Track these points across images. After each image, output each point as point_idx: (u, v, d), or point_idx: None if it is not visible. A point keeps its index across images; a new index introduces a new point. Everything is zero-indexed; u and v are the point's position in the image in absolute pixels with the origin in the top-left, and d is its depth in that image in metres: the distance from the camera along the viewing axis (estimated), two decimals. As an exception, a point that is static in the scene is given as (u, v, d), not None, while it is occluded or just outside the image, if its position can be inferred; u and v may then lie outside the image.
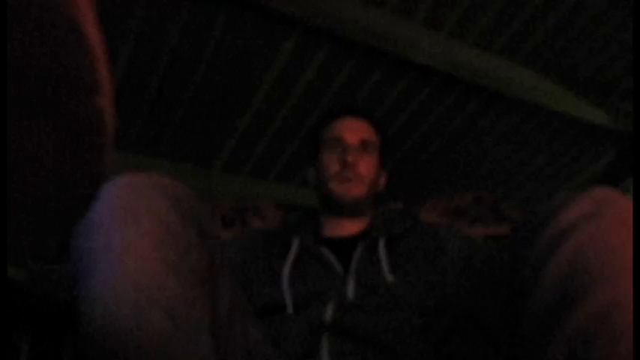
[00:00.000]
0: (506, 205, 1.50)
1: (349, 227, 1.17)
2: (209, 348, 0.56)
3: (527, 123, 2.15)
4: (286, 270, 1.03)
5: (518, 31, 1.78)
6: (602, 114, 2.09)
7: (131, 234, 0.54)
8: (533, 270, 0.59)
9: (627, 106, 2.14)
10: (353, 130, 1.22)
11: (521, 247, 0.62)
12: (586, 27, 1.78)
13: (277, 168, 2.14)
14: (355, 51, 1.75)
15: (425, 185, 2.34)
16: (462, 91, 1.96)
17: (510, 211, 1.49)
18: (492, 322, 0.68)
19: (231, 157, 2.05)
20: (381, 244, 1.07)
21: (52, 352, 0.79)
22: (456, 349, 0.76)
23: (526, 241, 0.62)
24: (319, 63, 1.76)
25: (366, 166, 1.18)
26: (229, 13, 1.57)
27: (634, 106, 2.10)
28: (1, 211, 0.30)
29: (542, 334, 0.55)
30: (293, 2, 1.51)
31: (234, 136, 1.97)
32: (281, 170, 2.15)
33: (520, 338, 0.60)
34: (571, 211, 0.58)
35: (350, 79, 1.84)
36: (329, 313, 0.91)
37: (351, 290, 0.97)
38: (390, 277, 1.00)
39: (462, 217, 1.48)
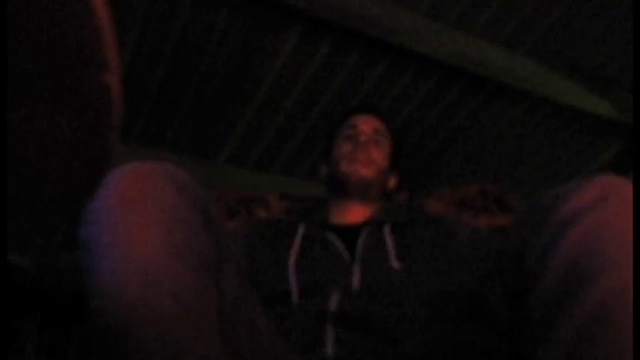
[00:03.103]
0: (511, 197, 1.50)
1: (356, 213, 1.17)
2: (215, 334, 0.56)
3: (532, 115, 2.14)
4: (292, 257, 1.03)
5: (523, 22, 1.77)
6: (608, 106, 2.08)
7: (138, 221, 0.54)
8: (539, 258, 0.59)
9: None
10: (367, 122, 1.27)
11: (527, 236, 0.62)
12: (591, 18, 1.77)
13: (281, 160, 2.14)
14: (359, 42, 1.74)
15: (429, 177, 2.33)
16: (467, 83, 1.95)
17: (515, 202, 1.49)
18: (498, 310, 0.68)
19: (235, 150, 2.05)
20: (387, 229, 1.07)
21: (60, 340, 0.79)
22: (461, 338, 0.76)
23: (532, 229, 0.61)
24: (323, 55, 1.76)
25: (378, 152, 1.22)
26: (233, 5, 1.57)
27: (634, 101, 2.09)
28: (1, 206, 0.30)
29: (548, 321, 0.55)
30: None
31: (239, 128, 1.97)
32: (285, 163, 2.15)
33: (526, 326, 0.60)
34: (576, 199, 0.58)
35: (354, 71, 1.84)
36: (334, 302, 0.91)
37: (356, 277, 0.97)
38: (396, 264, 1.00)
39: (467, 209, 1.48)
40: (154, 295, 0.51)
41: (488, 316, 0.70)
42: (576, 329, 0.52)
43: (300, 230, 1.10)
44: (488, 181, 2.10)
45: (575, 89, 2.00)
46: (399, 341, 0.86)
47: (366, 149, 1.19)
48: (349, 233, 1.09)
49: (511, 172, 2.39)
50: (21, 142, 0.29)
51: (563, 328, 0.53)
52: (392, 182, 1.31)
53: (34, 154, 0.30)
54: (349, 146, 1.21)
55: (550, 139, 2.26)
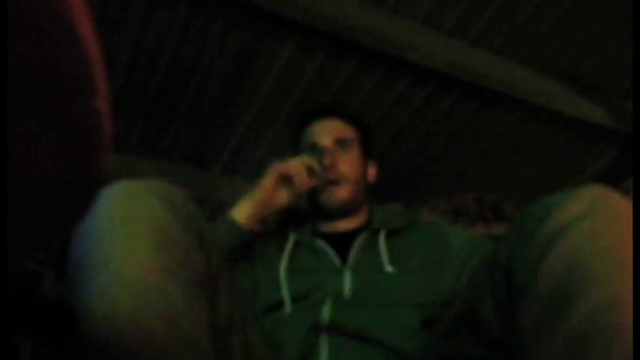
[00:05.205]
0: (506, 205, 1.50)
1: (346, 224, 1.17)
2: (209, 353, 0.56)
3: (527, 123, 2.14)
4: (283, 265, 1.03)
5: (517, 30, 1.78)
6: (603, 113, 2.09)
7: (129, 241, 0.54)
8: (528, 270, 0.59)
9: (628, 105, 2.14)
10: (325, 132, 1.20)
11: (517, 247, 0.62)
12: (586, 25, 1.78)
13: (278, 169, 2.14)
14: (354, 52, 1.75)
15: (424, 186, 2.34)
16: (461, 91, 1.96)
17: (511, 210, 1.49)
18: (490, 320, 0.68)
19: (231, 159, 2.06)
20: (382, 236, 1.07)
21: (54, 354, 0.79)
22: (454, 347, 0.77)
23: (521, 241, 0.62)
24: (318, 64, 1.76)
25: (347, 164, 1.17)
26: (228, 15, 1.57)
27: (634, 106, 2.10)
28: (1, 211, 0.30)
29: (538, 334, 0.56)
30: (291, 4, 1.51)
31: (235, 137, 1.97)
32: (281, 172, 2.15)
33: (517, 337, 0.60)
34: (565, 211, 0.58)
35: (349, 80, 1.84)
36: (326, 312, 0.91)
37: (348, 284, 0.97)
38: (389, 269, 0.99)
39: (463, 217, 1.48)
40: (145, 314, 0.51)
41: (480, 327, 0.70)
42: (565, 343, 0.52)
43: (291, 239, 1.10)
44: (483, 189, 2.11)
45: (569, 97, 2.00)
46: (392, 351, 0.86)
47: (334, 169, 1.15)
48: (341, 240, 1.10)
49: (506, 179, 2.40)
50: (10, 164, 0.29)
51: (553, 342, 0.53)
52: (372, 173, 1.27)
53: (23, 175, 0.30)
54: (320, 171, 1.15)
55: (545, 147, 2.27)
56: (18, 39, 0.25)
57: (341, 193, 1.15)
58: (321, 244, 1.08)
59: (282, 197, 1.11)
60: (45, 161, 0.29)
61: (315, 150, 1.18)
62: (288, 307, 0.96)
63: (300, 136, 1.26)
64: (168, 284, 0.54)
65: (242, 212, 1.05)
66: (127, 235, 0.54)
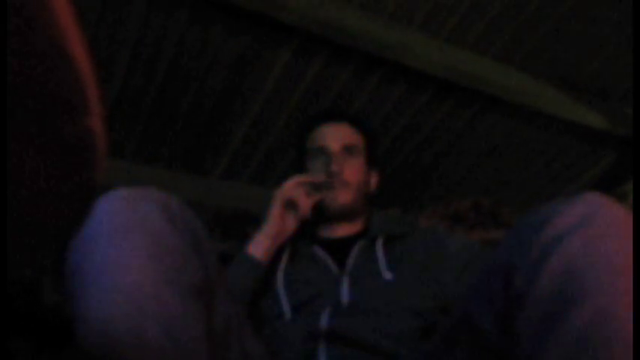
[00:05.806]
0: (505, 211, 1.51)
1: (344, 230, 1.17)
2: (205, 360, 0.56)
3: (526, 127, 2.15)
4: (280, 275, 1.04)
5: (515, 35, 1.78)
6: (601, 117, 2.09)
7: (126, 249, 0.54)
8: (527, 277, 0.59)
9: (626, 109, 2.14)
10: (334, 136, 1.20)
11: (515, 255, 0.62)
12: (583, 30, 1.78)
13: (276, 174, 2.14)
14: (352, 58, 1.75)
15: (423, 191, 2.34)
16: (460, 97, 1.96)
17: (509, 216, 1.50)
18: (488, 327, 0.68)
19: (230, 165, 2.06)
20: (379, 243, 1.07)
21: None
22: (452, 354, 0.77)
23: (519, 248, 0.62)
24: (316, 70, 1.77)
25: (352, 171, 1.17)
26: (226, 22, 1.58)
27: (634, 109, 2.10)
28: (1, 215, 0.30)
29: (537, 340, 0.56)
30: (289, 10, 1.52)
31: (233, 143, 1.97)
32: (280, 177, 2.15)
33: (515, 344, 0.60)
34: (562, 218, 0.58)
35: (347, 86, 1.85)
36: (325, 319, 0.91)
37: (345, 291, 0.97)
38: (387, 275, 0.99)
39: (462, 223, 1.48)
40: (141, 322, 0.51)
41: (478, 334, 0.70)
42: (563, 351, 0.52)
43: (288, 247, 1.10)
44: (481, 195, 2.11)
45: (567, 101, 2.01)
46: (391, 357, 0.86)
47: (340, 176, 1.15)
48: (339, 247, 1.10)
49: (505, 184, 2.40)
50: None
51: (551, 350, 0.53)
52: (373, 182, 1.28)
53: (19, 181, 0.30)
54: (322, 175, 1.16)
55: (543, 151, 2.27)
56: (8, 60, 0.25)
57: (343, 197, 1.15)
58: (318, 251, 1.08)
59: (291, 223, 1.11)
60: (38, 180, 0.30)
61: (323, 153, 1.18)
62: (287, 316, 0.96)
63: (308, 137, 1.25)
64: (164, 292, 0.54)
65: (259, 248, 1.04)
66: (124, 243, 0.55)
